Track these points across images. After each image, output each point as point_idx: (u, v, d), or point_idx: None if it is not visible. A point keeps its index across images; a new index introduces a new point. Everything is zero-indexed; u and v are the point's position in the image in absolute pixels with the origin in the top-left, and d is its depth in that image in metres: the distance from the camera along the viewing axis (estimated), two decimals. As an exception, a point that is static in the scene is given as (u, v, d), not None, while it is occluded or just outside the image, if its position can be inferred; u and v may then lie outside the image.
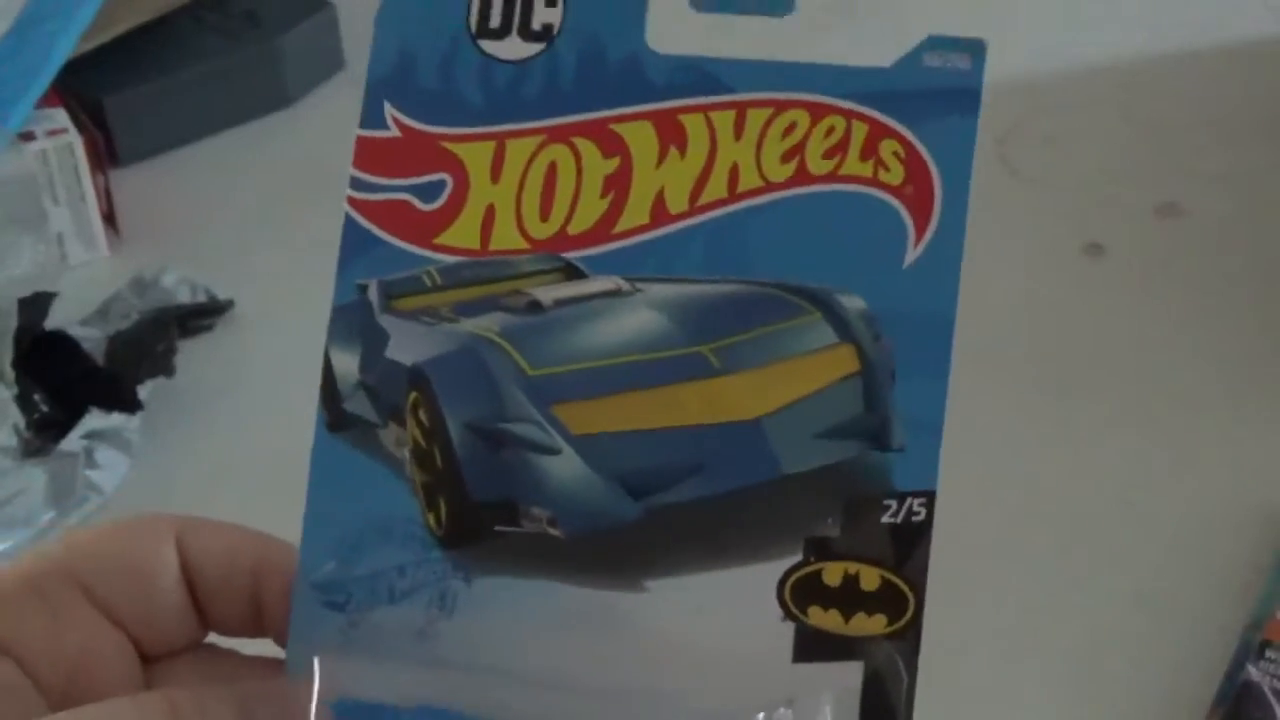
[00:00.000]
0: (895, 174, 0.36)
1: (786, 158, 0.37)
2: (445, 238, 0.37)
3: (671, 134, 0.37)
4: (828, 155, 0.37)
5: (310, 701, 0.36)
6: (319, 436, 0.37)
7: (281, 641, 0.37)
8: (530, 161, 0.37)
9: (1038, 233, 0.88)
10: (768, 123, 0.37)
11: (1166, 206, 0.89)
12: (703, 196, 0.37)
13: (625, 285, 0.37)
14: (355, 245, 0.37)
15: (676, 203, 0.37)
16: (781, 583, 0.36)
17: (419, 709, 0.36)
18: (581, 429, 0.36)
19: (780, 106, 0.37)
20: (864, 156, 0.36)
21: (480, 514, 0.36)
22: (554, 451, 0.36)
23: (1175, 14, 1.03)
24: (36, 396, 0.72)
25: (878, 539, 0.36)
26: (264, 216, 0.91)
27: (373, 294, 0.38)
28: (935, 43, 0.36)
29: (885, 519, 0.36)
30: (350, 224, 0.37)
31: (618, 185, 0.37)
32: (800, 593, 0.36)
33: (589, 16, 0.37)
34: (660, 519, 0.36)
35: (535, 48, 0.37)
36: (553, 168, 0.37)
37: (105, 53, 0.94)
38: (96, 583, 0.37)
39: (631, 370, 0.37)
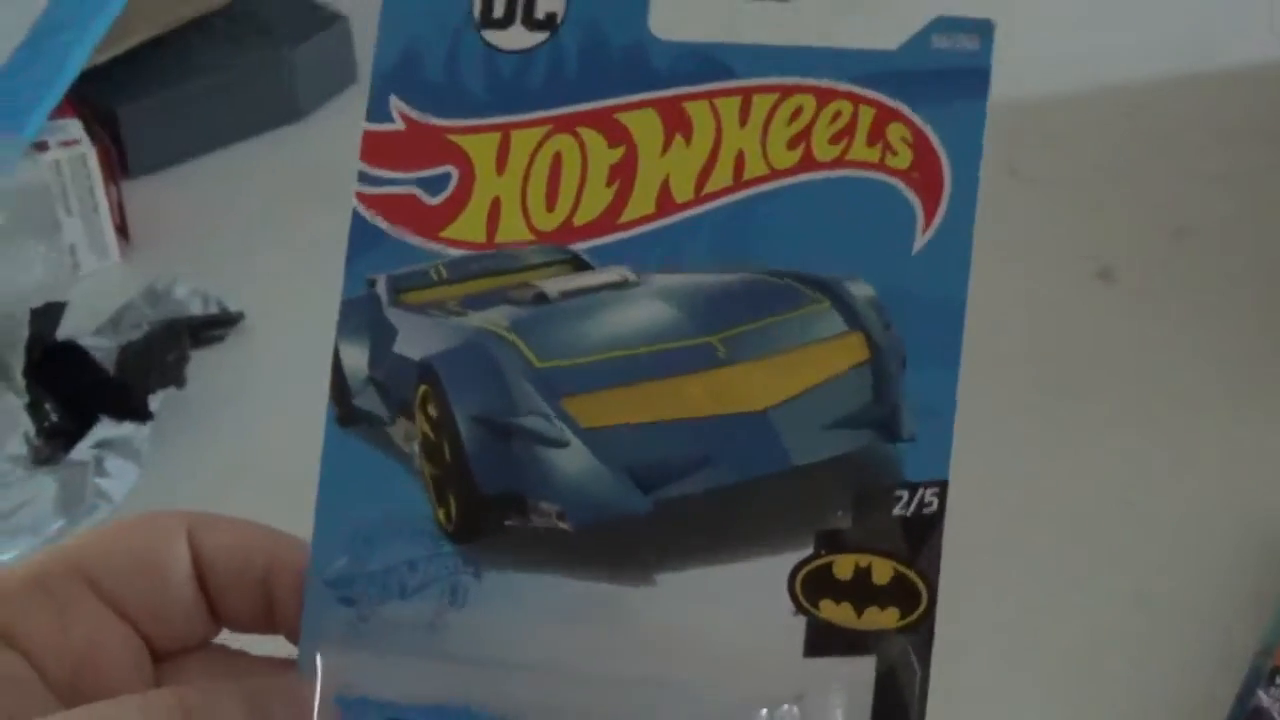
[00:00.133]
0: (903, 158, 0.36)
1: (793, 144, 0.36)
2: (451, 231, 0.37)
3: (676, 122, 0.37)
4: (834, 140, 0.36)
5: (319, 698, 0.36)
6: (329, 432, 0.37)
7: (293, 638, 0.37)
8: (535, 152, 0.37)
9: (1047, 253, 0.87)
10: (773, 108, 0.36)
11: (1178, 228, 0.88)
12: (708, 185, 0.36)
13: (631, 276, 0.37)
14: (363, 239, 0.37)
15: (682, 192, 0.37)
16: (792, 576, 0.35)
17: (429, 705, 0.36)
18: (590, 422, 0.36)
19: (786, 91, 0.36)
20: (871, 141, 0.36)
21: (490, 508, 0.36)
22: (562, 444, 0.36)
23: (1185, 36, 1.02)
24: (47, 405, 0.72)
25: (889, 531, 0.35)
26: (275, 228, 0.91)
27: (381, 288, 0.38)
28: (943, 24, 0.36)
29: (897, 510, 0.35)
30: (358, 218, 0.37)
31: (623, 175, 0.37)
32: (811, 586, 0.35)
33: (592, 4, 0.37)
34: (669, 512, 0.36)
35: (539, 37, 0.37)
36: (558, 158, 0.37)
37: (119, 64, 0.94)
38: (105, 577, 0.37)
39: (639, 362, 0.36)
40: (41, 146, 0.85)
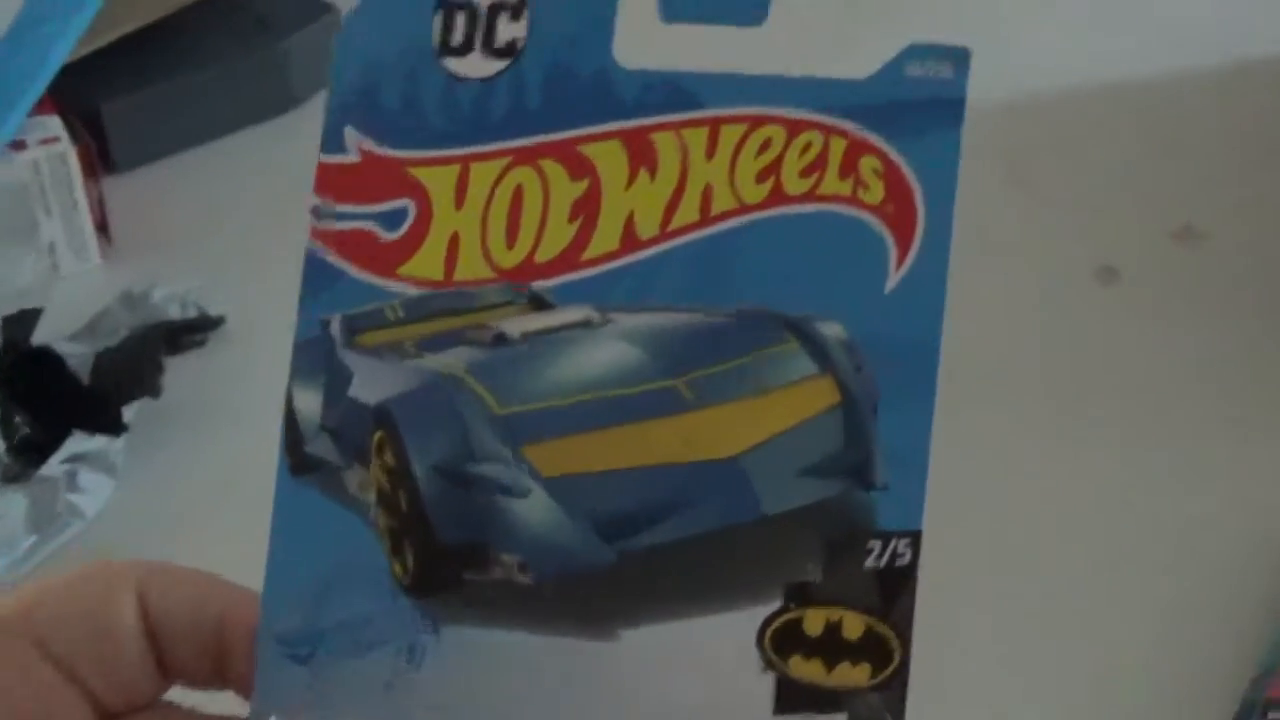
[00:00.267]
0: (875, 192, 0.35)
1: (762, 177, 0.35)
2: (409, 268, 0.36)
3: (642, 154, 0.35)
4: (805, 173, 0.35)
5: None
6: (280, 481, 0.36)
7: (246, 694, 0.36)
8: (495, 185, 0.36)
9: (1049, 255, 0.85)
10: (742, 140, 0.35)
11: (1183, 229, 0.86)
12: (675, 220, 0.35)
13: (595, 316, 0.36)
14: (316, 277, 0.36)
15: (647, 227, 0.35)
16: (761, 631, 0.34)
17: None
18: (552, 470, 0.35)
19: (755, 122, 0.35)
20: (843, 174, 0.35)
21: (448, 560, 0.35)
22: (524, 494, 0.35)
23: (1194, 30, 0.99)
24: (18, 419, 0.70)
25: (861, 584, 0.34)
26: (264, 224, 0.89)
27: (335, 330, 0.36)
28: (917, 52, 0.35)
29: (869, 562, 0.34)
30: (311, 255, 0.36)
31: (586, 209, 0.35)
32: (781, 641, 0.34)
33: (555, 30, 0.36)
34: (634, 564, 0.34)
35: (500, 64, 0.36)
36: (519, 192, 0.36)
37: (103, 56, 0.92)
38: (53, 638, 0.36)
39: (603, 407, 0.35)
40: (19, 145, 0.83)
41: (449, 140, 0.36)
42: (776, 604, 0.34)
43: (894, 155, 0.34)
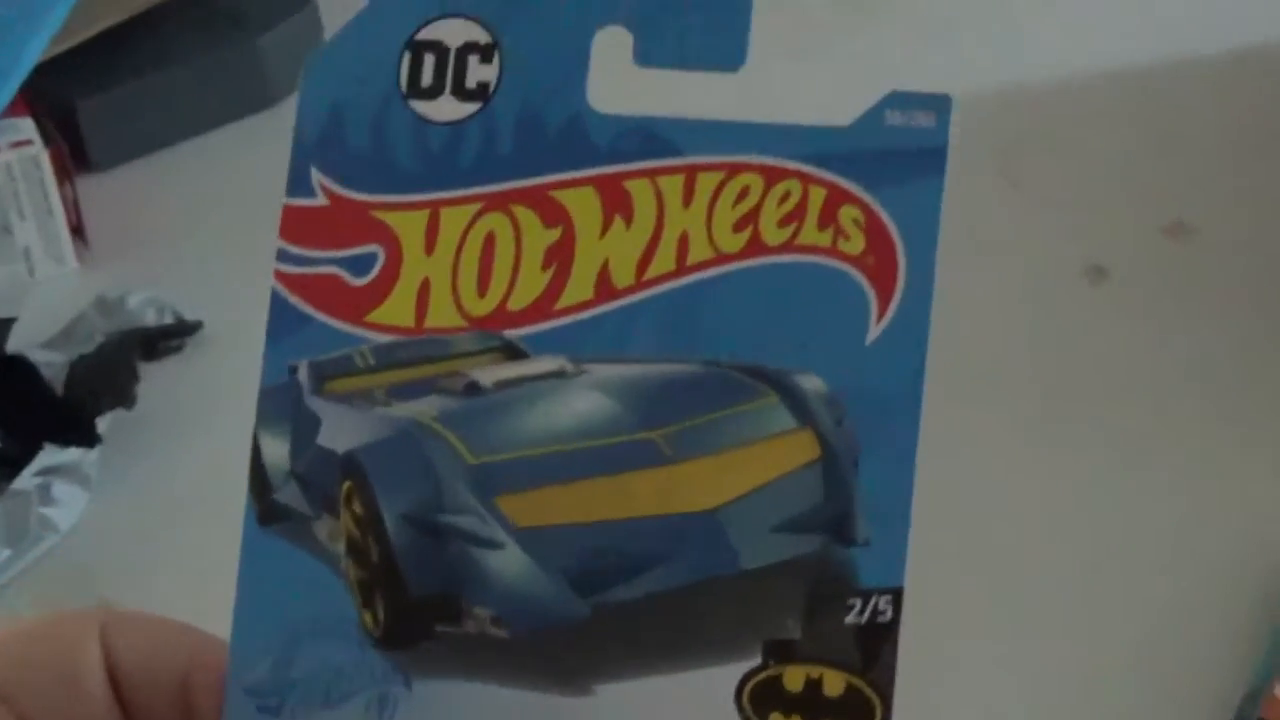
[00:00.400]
0: (855, 243, 0.34)
1: (739, 226, 0.34)
2: (378, 315, 0.35)
3: (616, 201, 0.34)
4: (783, 223, 0.34)
5: None
6: (247, 530, 0.35)
7: (213, 747, 0.35)
8: (466, 232, 0.35)
9: (1038, 250, 0.84)
10: (719, 188, 0.34)
11: (1175, 225, 0.85)
12: (650, 269, 0.34)
13: (570, 366, 0.35)
14: (283, 322, 0.35)
15: (622, 276, 0.34)
16: (739, 688, 0.34)
17: None
18: (526, 521, 0.34)
19: (732, 170, 0.34)
20: (822, 224, 0.34)
21: (420, 612, 0.34)
22: (497, 546, 0.34)
23: (1189, 19, 0.98)
24: (-10, 431, 0.70)
25: (842, 641, 0.34)
26: (243, 225, 0.87)
27: (303, 376, 0.36)
28: (897, 100, 0.34)
29: (849, 619, 0.34)
30: (277, 299, 0.35)
31: (560, 257, 0.35)
32: (759, 699, 0.34)
33: (527, 74, 0.35)
34: (610, 618, 0.34)
35: (470, 108, 0.35)
36: (490, 238, 0.35)
37: (78, 54, 0.91)
38: (17, 694, 0.35)
39: (578, 458, 0.34)
40: (-9, 149, 0.83)
41: (418, 184, 0.35)
42: (756, 660, 0.34)
43: (874, 205, 0.34)
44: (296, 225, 0.35)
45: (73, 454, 0.70)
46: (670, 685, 0.34)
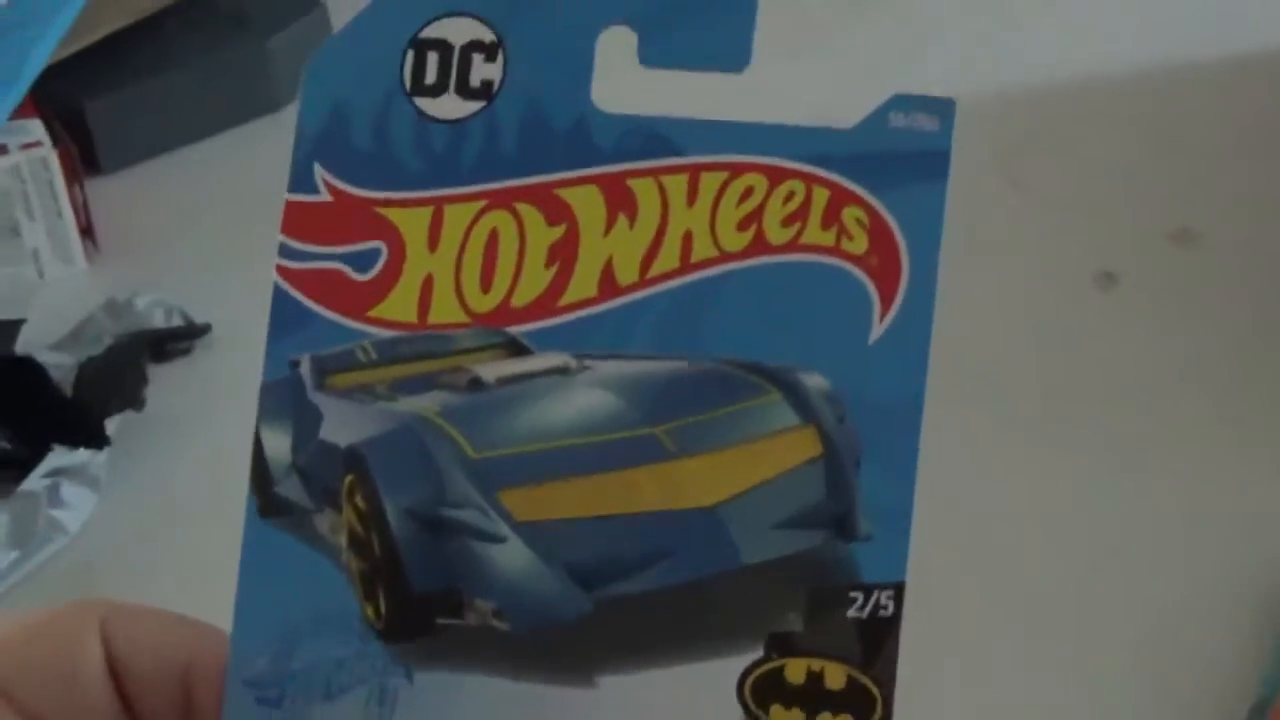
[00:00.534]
0: (859, 243, 0.34)
1: (743, 225, 0.34)
2: (380, 310, 0.35)
3: (620, 200, 0.35)
4: (787, 223, 0.34)
5: None
6: (249, 523, 0.35)
7: (214, 738, 0.35)
8: (470, 229, 0.35)
9: (1044, 256, 0.84)
10: (723, 188, 0.34)
11: (1181, 231, 0.85)
12: (654, 267, 0.35)
13: (573, 362, 0.35)
14: (285, 317, 0.36)
15: (626, 274, 0.35)
16: (741, 680, 0.34)
17: None
18: (528, 516, 0.34)
19: (736, 170, 0.34)
20: (825, 224, 0.34)
21: (421, 605, 0.34)
22: (499, 540, 0.34)
23: (1195, 23, 0.98)
24: (-1, 432, 0.70)
25: (843, 635, 0.34)
26: (251, 227, 0.87)
27: (305, 370, 0.36)
28: (901, 102, 0.34)
29: (851, 613, 0.34)
30: (279, 294, 0.36)
31: (563, 255, 0.35)
32: (761, 691, 0.34)
33: (531, 73, 0.35)
34: (612, 612, 0.34)
35: (474, 106, 0.35)
36: (494, 235, 0.35)
37: (86, 56, 0.92)
38: (18, 689, 0.35)
39: (581, 453, 0.35)
40: (0, 150, 0.83)
41: (422, 182, 0.35)
42: (757, 653, 0.34)
43: (878, 206, 0.34)
44: (299, 221, 0.36)
45: (81, 456, 0.70)
46: (672, 678, 0.34)
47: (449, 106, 0.35)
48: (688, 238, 0.35)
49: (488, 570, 0.34)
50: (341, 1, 0.97)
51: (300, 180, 0.36)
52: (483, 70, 0.35)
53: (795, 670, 0.34)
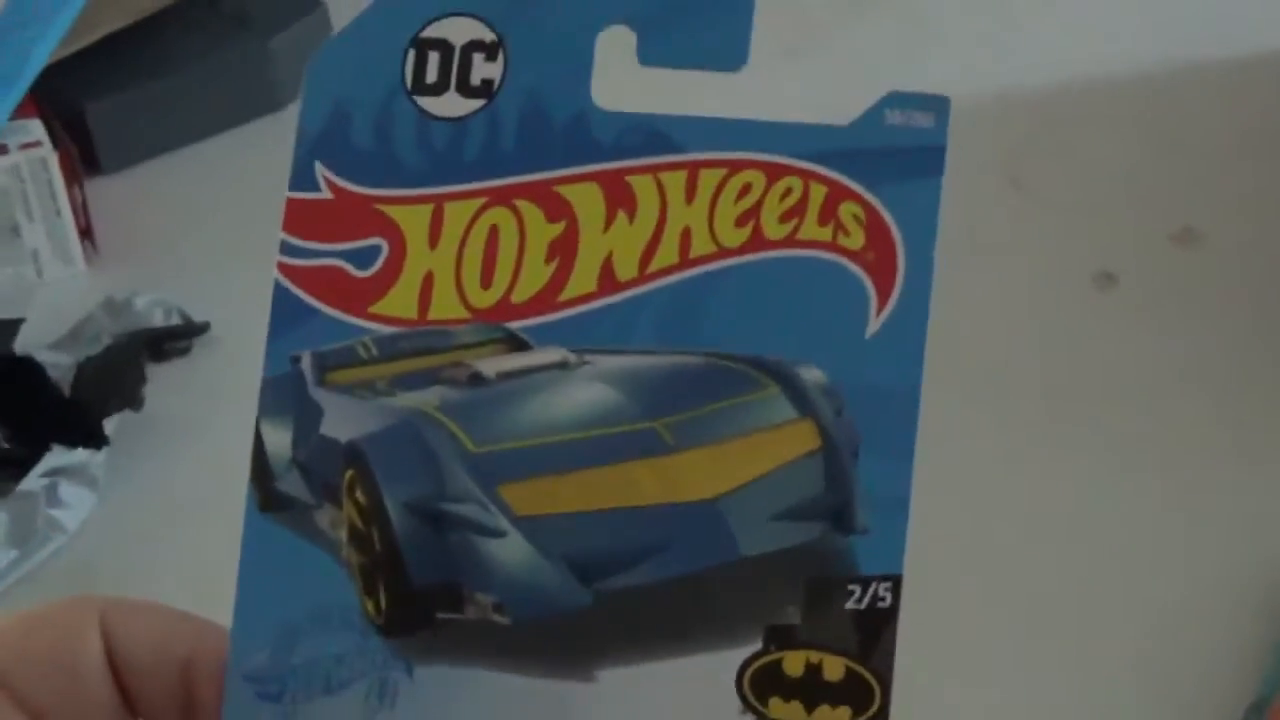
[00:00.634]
0: (856, 238, 0.34)
1: (741, 221, 0.35)
2: (381, 307, 0.36)
3: (619, 196, 0.35)
4: (784, 218, 0.35)
5: None
6: (249, 518, 0.35)
7: (214, 733, 0.35)
8: (470, 226, 0.35)
9: (1045, 257, 0.84)
10: (721, 184, 0.35)
11: (1183, 232, 0.85)
12: (653, 263, 0.35)
13: (572, 357, 0.35)
14: (286, 314, 0.36)
15: (626, 269, 0.35)
16: (740, 672, 0.34)
17: None
18: (528, 510, 0.35)
19: (734, 167, 0.35)
20: (823, 220, 0.34)
21: (421, 599, 0.35)
22: (499, 534, 0.35)
23: (1196, 23, 0.98)
24: (-2, 431, 0.70)
25: (841, 627, 0.34)
26: (250, 227, 0.87)
27: (306, 366, 0.36)
28: (897, 100, 0.34)
29: (849, 605, 0.34)
30: (280, 291, 0.36)
31: (563, 251, 0.35)
32: (760, 683, 0.34)
33: (532, 71, 0.35)
34: (612, 605, 0.34)
35: (475, 104, 0.35)
36: (494, 232, 0.35)
37: (86, 56, 0.92)
38: (18, 681, 0.35)
39: (580, 448, 0.35)
40: (0, 150, 0.83)
41: (422, 179, 0.35)
42: (756, 645, 0.34)
43: (874, 202, 0.34)
44: (300, 218, 0.36)
45: (80, 455, 0.70)
46: (672, 670, 0.34)
47: (450, 105, 0.35)
48: (686, 234, 0.35)
49: (488, 564, 0.34)
50: (342, 1, 0.98)
51: (301, 178, 0.36)
52: (483, 69, 0.35)
53: (794, 662, 0.34)
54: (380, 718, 0.35)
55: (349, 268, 0.36)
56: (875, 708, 0.34)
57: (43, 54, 0.85)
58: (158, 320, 0.79)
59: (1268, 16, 0.98)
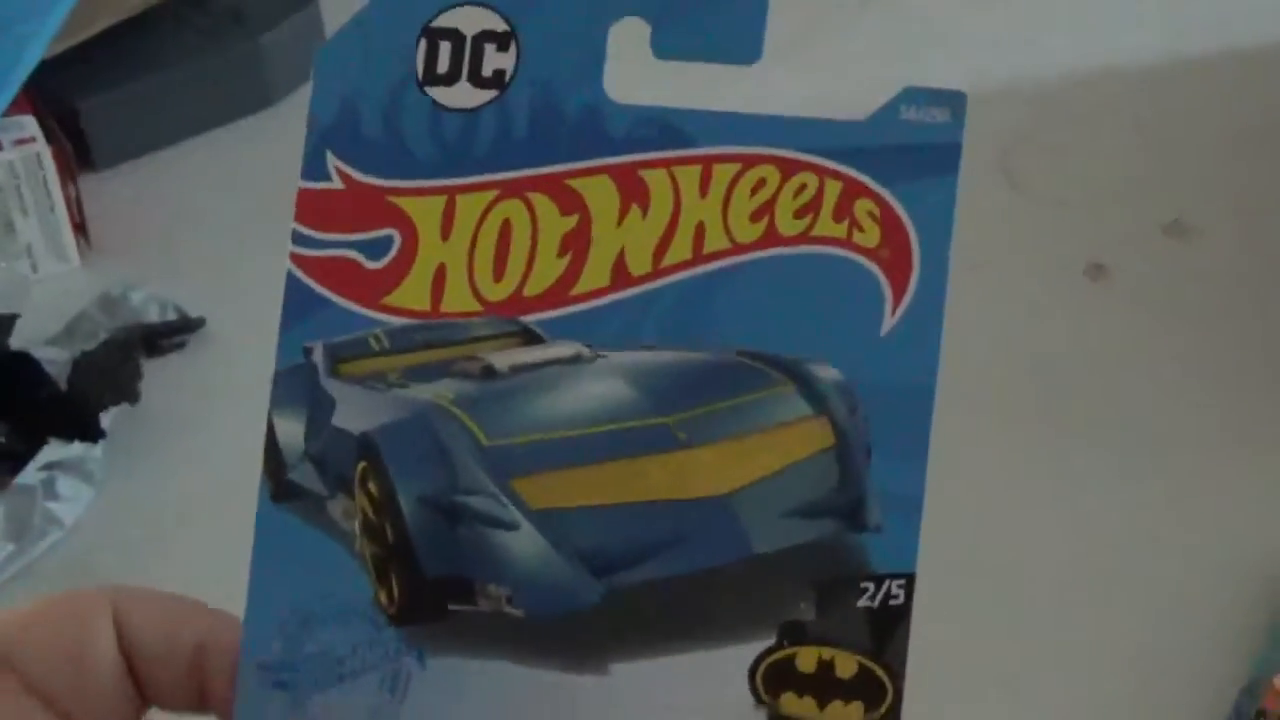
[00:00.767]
0: (871, 235, 0.34)
1: (755, 217, 0.35)
2: (394, 298, 0.35)
3: (633, 190, 0.35)
4: (799, 214, 0.34)
5: None
6: (262, 508, 0.35)
7: (226, 719, 0.35)
8: (483, 218, 0.35)
9: (1039, 250, 0.85)
10: (735, 179, 0.35)
11: (1174, 224, 0.85)
12: (666, 258, 0.35)
13: (586, 351, 0.35)
14: (298, 305, 0.36)
15: (639, 264, 0.35)
16: (753, 668, 0.34)
17: None
18: (541, 503, 0.34)
19: (748, 162, 0.34)
20: (837, 216, 0.34)
21: (434, 591, 0.34)
22: (512, 527, 0.34)
23: (1191, 17, 0.99)
24: (-6, 426, 0.70)
25: (854, 623, 0.34)
26: (244, 223, 0.89)
27: (318, 358, 0.36)
28: (913, 95, 0.34)
29: (862, 602, 0.34)
30: (293, 282, 0.36)
31: (576, 244, 0.35)
32: (773, 679, 0.34)
33: (544, 62, 0.35)
34: (624, 599, 0.34)
35: (486, 95, 0.35)
36: (507, 225, 0.35)
37: (80, 54, 0.92)
38: (30, 665, 0.35)
39: (593, 442, 0.35)
40: (-6, 147, 0.83)
41: (434, 170, 0.35)
42: (769, 641, 0.34)
43: (890, 199, 0.34)
44: (312, 209, 0.36)
45: (77, 449, 0.70)
46: (684, 665, 0.34)
47: (462, 95, 0.35)
48: (700, 229, 0.35)
49: (500, 557, 0.34)
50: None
51: (313, 167, 0.35)
52: (495, 60, 0.35)
53: (806, 658, 0.34)
54: (392, 708, 0.34)
55: (361, 259, 0.35)
56: (887, 704, 0.34)
57: (36, 50, 0.85)
58: (153, 315, 0.78)
59: (1258, 10, 0.98)
